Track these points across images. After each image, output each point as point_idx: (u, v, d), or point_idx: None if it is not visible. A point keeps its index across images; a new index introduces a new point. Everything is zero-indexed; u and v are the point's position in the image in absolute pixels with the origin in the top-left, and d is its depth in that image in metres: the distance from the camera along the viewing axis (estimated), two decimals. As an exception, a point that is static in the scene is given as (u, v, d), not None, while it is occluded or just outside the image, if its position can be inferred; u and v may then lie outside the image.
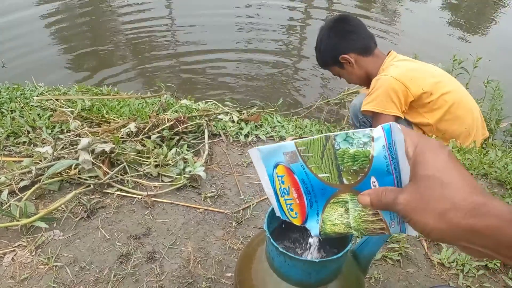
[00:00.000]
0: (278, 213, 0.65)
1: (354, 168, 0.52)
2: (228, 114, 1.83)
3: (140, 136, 1.57)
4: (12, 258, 1.13)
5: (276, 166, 0.59)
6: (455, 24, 5.06)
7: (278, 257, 0.68)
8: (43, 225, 1.20)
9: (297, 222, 0.62)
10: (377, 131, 0.50)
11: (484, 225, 0.40)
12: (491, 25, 5.18)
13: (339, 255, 0.65)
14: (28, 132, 1.59)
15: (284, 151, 0.57)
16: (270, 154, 0.59)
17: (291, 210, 0.62)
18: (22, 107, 1.75)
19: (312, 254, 0.79)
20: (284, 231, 0.80)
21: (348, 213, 0.57)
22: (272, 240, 0.66)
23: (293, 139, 1.64)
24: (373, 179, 0.52)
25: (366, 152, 0.51)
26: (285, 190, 0.60)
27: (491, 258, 0.45)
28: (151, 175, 1.44)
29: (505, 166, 1.59)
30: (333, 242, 0.79)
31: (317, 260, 0.64)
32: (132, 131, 1.56)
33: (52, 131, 1.62)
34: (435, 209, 0.42)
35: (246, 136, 1.72)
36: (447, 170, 0.44)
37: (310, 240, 0.76)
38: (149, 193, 1.35)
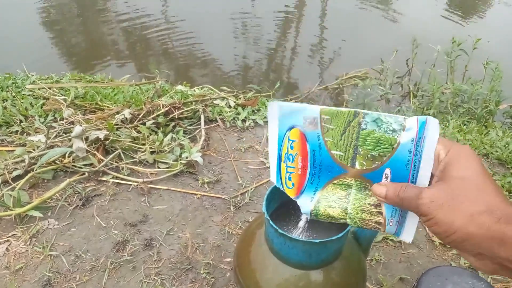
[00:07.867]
0: (273, 179, 0.61)
1: (373, 153, 0.50)
2: (225, 99, 1.80)
3: (135, 123, 1.54)
4: (7, 248, 1.11)
5: (290, 128, 0.55)
6: (455, 2, 5.02)
7: (278, 239, 0.66)
8: (37, 214, 1.17)
9: (291, 193, 0.58)
10: (411, 122, 0.47)
11: None
12: (490, 7, 5.11)
13: (339, 235, 0.63)
14: (21, 121, 1.56)
15: (305, 115, 0.53)
16: (290, 114, 0.55)
17: (289, 179, 0.58)
18: (14, 96, 1.71)
19: (310, 236, 0.76)
20: (282, 214, 0.78)
21: (349, 198, 0.54)
22: (271, 222, 0.63)
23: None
24: (387, 170, 0.50)
25: (392, 139, 0.48)
26: (290, 157, 0.56)
27: (503, 275, 0.45)
28: (147, 162, 1.42)
29: (506, 145, 1.57)
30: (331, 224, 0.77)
31: (317, 241, 0.62)
32: (126, 118, 1.53)
33: (45, 120, 1.58)
34: (468, 210, 0.41)
35: (243, 121, 1.69)
36: (482, 176, 0.43)
37: (306, 222, 0.73)
38: (145, 180, 1.32)
